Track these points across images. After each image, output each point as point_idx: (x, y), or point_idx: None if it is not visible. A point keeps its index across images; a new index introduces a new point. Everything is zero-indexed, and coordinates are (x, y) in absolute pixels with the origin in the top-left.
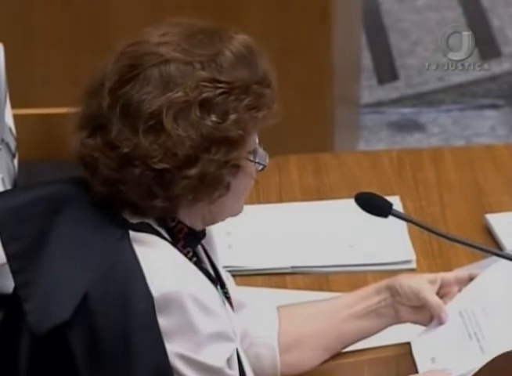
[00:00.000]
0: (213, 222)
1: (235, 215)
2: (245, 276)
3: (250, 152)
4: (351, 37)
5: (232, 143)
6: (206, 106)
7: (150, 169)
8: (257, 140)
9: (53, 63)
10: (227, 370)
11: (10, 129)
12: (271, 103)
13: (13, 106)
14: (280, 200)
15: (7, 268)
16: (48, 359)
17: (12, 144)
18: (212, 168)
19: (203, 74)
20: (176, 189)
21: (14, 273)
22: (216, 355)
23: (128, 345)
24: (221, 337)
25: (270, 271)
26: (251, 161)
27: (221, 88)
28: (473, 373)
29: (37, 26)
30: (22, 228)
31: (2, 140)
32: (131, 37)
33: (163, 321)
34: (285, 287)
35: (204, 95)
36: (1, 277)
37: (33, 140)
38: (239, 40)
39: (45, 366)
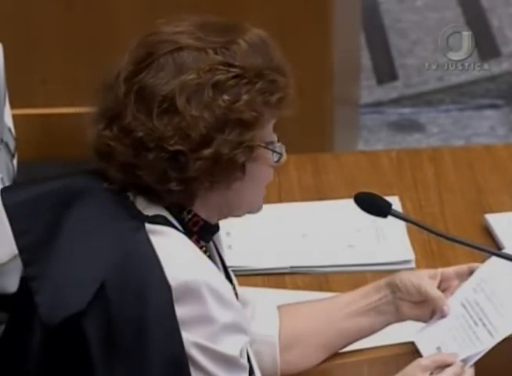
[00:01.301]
0: (230, 213)
1: (253, 209)
2: (244, 276)
3: (268, 143)
4: (350, 37)
5: (246, 124)
6: (218, 88)
7: (165, 151)
8: (274, 136)
9: (53, 63)
10: (241, 360)
11: (9, 129)
12: (285, 88)
13: (13, 106)
14: (280, 201)
15: (7, 267)
16: (61, 351)
17: (12, 144)
18: (226, 149)
19: (217, 57)
20: (191, 171)
21: (25, 266)
22: (231, 344)
23: (144, 334)
24: (236, 327)
25: (269, 271)
26: (268, 148)
27: (234, 71)
28: (483, 354)
29: (36, 26)
30: (33, 221)
31: (2, 140)
32: (138, 35)
33: (180, 310)
34: (284, 287)
35: (217, 77)
36: (2, 276)
37: (32, 140)
38: (254, 32)
39: (58, 358)
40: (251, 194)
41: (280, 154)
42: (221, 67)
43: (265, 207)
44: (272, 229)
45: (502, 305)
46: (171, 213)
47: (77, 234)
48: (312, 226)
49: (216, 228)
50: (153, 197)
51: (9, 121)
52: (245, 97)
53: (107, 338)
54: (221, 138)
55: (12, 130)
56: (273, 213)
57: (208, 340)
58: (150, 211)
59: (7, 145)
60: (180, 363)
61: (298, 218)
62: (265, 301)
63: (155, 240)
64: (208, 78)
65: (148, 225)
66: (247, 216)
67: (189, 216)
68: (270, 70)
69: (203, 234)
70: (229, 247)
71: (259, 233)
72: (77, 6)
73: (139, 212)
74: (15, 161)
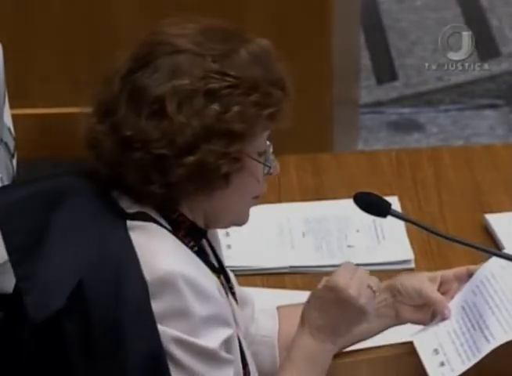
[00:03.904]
0: (215, 222)
1: (239, 222)
2: (244, 276)
3: (259, 153)
4: (350, 37)
5: (234, 136)
6: (210, 96)
7: (149, 153)
8: (270, 147)
9: (52, 63)
10: (222, 353)
11: (9, 129)
12: (280, 103)
13: (12, 106)
14: (279, 201)
15: (6, 267)
16: (46, 350)
17: (11, 144)
18: (211, 159)
19: (213, 65)
20: (173, 176)
21: (14, 267)
22: (210, 337)
23: (120, 332)
24: (215, 320)
25: (268, 271)
26: (256, 160)
27: (229, 81)
28: (477, 359)
29: (36, 26)
30: (22, 222)
31: (1, 140)
32: (138, 35)
33: (156, 304)
34: (283, 286)
35: (210, 85)
36: (0, 276)
37: (32, 140)
38: (258, 42)
39: (43, 357)
40: (236, 205)
41: (269, 167)
42: (216, 76)
43: (265, 207)
44: (271, 229)
45: (500, 309)
46: (157, 211)
47: (62, 234)
48: (312, 226)
49: (203, 232)
50: (138, 197)
51: (8, 121)
52: (236, 108)
53: (85, 336)
54: (207, 147)
55: (12, 130)
56: (273, 213)
57: (186, 333)
58: (134, 208)
59: (7, 145)
60: (158, 359)
61: (298, 218)
62: (264, 301)
63: (134, 236)
64: (201, 85)
65: (129, 223)
66: None
67: (175, 215)
68: (267, 82)
69: (190, 233)
70: (229, 246)
71: (258, 233)
72: (77, 6)
73: (121, 211)
74: (14, 161)
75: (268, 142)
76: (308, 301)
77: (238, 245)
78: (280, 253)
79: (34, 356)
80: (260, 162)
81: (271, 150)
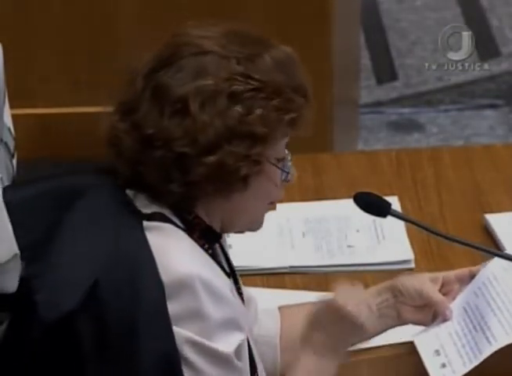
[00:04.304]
0: (231, 226)
1: (254, 226)
2: (244, 276)
3: (278, 159)
4: (350, 37)
5: (255, 139)
6: (234, 98)
7: (171, 152)
8: (288, 154)
9: (52, 63)
10: (235, 361)
11: (9, 129)
12: (301, 109)
13: (12, 106)
14: (279, 200)
15: (6, 267)
16: (57, 349)
17: (11, 144)
18: (231, 160)
19: (238, 68)
20: (193, 175)
21: (26, 264)
22: (225, 341)
23: (135, 332)
24: (231, 324)
25: (268, 271)
26: (275, 166)
27: (253, 84)
28: (479, 361)
29: (36, 26)
30: (34, 219)
31: (1, 140)
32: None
33: (172, 306)
34: (283, 286)
35: (234, 87)
36: (2, 275)
37: (32, 140)
38: (282, 49)
39: (55, 356)
40: (252, 209)
41: (287, 173)
42: (241, 78)
43: None
44: (271, 229)
45: (501, 311)
46: (173, 211)
47: (75, 233)
48: (312, 226)
49: (218, 235)
50: (156, 196)
51: (8, 121)
52: (258, 111)
53: (100, 336)
54: (228, 148)
55: (12, 130)
56: (273, 213)
57: (201, 336)
58: (151, 208)
59: (6, 145)
60: (172, 361)
61: (298, 218)
62: (265, 302)
63: (150, 237)
64: (225, 87)
65: (145, 223)
66: None
67: (191, 217)
68: (290, 88)
69: (205, 235)
70: (229, 246)
71: (259, 232)
72: (77, 6)
73: (137, 210)
74: (14, 161)
75: (286, 151)
76: (310, 323)
77: (238, 245)
78: (280, 253)
79: (45, 355)
80: (278, 168)
81: (289, 158)
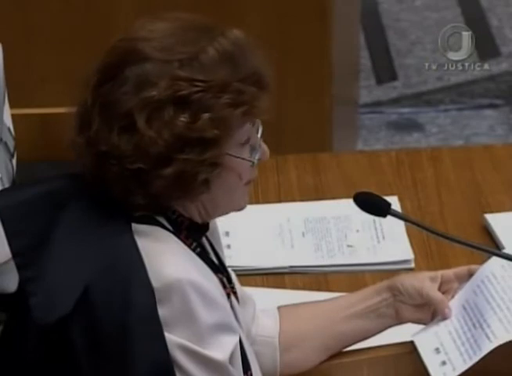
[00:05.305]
0: (211, 217)
1: (235, 208)
2: (243, 276)
3: (242, 144)
4: (349, 37)
5: (207, 143)
6: (180, 104)
7: (125, 168)
8: (256, 129)
9: (52, 63)
10: (230, 368)
11: (9, 129)
12: (254, 99)
13: (12, 106)
14: (279, 200)
15: (6, 267)
16: (53, 354)
17: (11, 144)
18: (188, 168)
19: (180, 72)
20: (153, 187)
21: (19, 269)
22: (218, 347)
23: (127, 338)
24: (223, 328)
25: (268, 271)
26: (235, 157)
27: (198, 86)
28: (479, 358)
29: (35, 26)
30: (26, 223)
31: (1, 140)
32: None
33: (163, 311)
34: (283, 286)
35: (179, 93)
36: (2, 276)
37: (31, 140)
38: (230, 37)
39: (49, 359)
40: (226, 201)
41: (252, 162)
42: (184, 83)
43: (264, 207)
44: (271, 229)
45: (501, 308)
46: (157, 214)
47: (68, 237)
48: (312, 226)
49: (205, 228)
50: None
51: (8, 121)
52: (206, 115)
53: (92, 342)
54: (182, 157)
55: (12, 130)
56: (273, 213)
57: (193, 341)
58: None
59: (6, 145)
60: (165, 367)
61: (298, 218)
62: (265, 302)
63: (140, 242)
64: (169, 95)
65: (134, 226)
66: (246, 216)
67: (174, 216)
68: (238, 80)
69: (191, 232)
70: (228, 246)
71: (258, 232)
72: (76, 6)
73: (127, 213)
74: (14, 161)
75: (251, 125)
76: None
77: (238, 245)
78: (280, 253)
79: (40, 358)
80: (240, 158)
81: (259, 132)
